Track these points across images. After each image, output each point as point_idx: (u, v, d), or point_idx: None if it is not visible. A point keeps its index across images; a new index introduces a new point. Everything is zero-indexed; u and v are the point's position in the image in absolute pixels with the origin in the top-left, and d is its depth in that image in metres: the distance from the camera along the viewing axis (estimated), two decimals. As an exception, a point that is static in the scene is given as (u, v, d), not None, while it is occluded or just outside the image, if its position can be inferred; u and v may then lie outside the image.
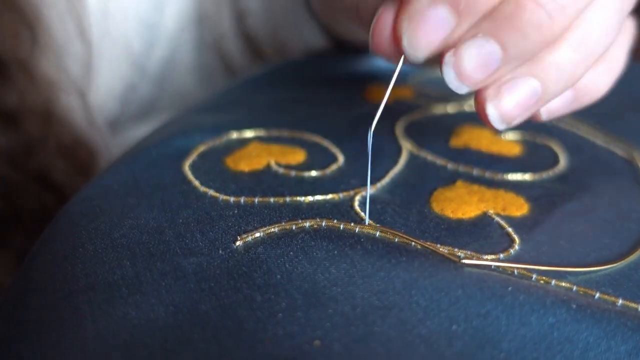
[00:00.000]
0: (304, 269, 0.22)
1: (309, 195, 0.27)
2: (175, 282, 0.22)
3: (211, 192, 0.28)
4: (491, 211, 0.27)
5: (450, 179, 0.30)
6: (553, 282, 0.22)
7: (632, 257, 0.25)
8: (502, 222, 0.26)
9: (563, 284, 0.22)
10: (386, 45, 0.25)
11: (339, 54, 0.52)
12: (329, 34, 0.53)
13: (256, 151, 0.32)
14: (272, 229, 0.24)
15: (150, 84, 0.52)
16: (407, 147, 0.34)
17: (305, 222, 0.25)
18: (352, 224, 0.25)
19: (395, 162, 0.32)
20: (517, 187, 0.30)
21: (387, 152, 0.33)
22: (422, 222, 0.26)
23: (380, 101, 0.26)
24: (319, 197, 0.27)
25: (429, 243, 0.24)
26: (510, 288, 0.21)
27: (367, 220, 0.25)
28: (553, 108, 0.29)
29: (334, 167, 0.31)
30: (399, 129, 0.36)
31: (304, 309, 0.20)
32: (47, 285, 0.23)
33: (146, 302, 0.21)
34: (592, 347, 0.20)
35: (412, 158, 0.33)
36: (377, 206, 0.27)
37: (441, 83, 0.26)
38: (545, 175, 0.32)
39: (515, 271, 0.23)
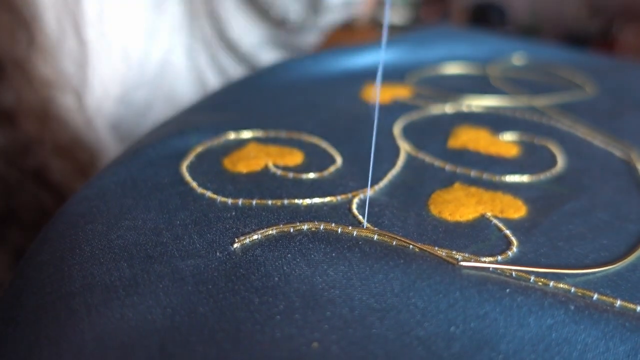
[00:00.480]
0: (301, 271, 0.22)
1: (307, 197, 0.27)
2: (173, 284, 0.21)
3: (209, 194, 0.27)
4: (489, 213, 0.27)
5: (448, 181, 0.30)
6: (551, 283, 0.22)
7: (630, 259, 0.25)
8: (500, 225, 0.26)
9: (561, 285, 0.22)
10: None
11: (336, 53, 0.52)
12: None
13: (254, 152, 0.32)
14: (270, 232, 0.24)
15: (147, 85, 0.52)
16: (405, 148, 0.34)
17: (303, 225, 0.25)
18: (350, 228, 0.25)
19: (393, 164, 0.32)
20: (515, 189, 0.30)
21: (385, 154, 0.33)
22: (420, 224, 0.26)
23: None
24: (316, 200, 0.27)
25: (426, 246, 0.24)
26: (508, 290, 0.21)
27: (365, 224, 0.25)
28: None
29: (332, 169, 0.31)
30: (397, 130, 0.36)
31: (301, 311, 0.20)
32: (44, 286, 0.22)
33: (143, 303, 0.21)
34: (591, 348, 0.20)
35: (410, 159, 0.33)
36: (375, 209, 0.27)
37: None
38: (543, 176, 0.32)
39: (513, 273, 0.23)
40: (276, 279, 0.22)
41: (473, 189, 0.29)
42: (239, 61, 0.61)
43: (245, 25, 0.59)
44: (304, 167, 0.31)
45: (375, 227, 0.25)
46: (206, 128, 0.35)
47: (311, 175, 0.30)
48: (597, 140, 0.37)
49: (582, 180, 0.32)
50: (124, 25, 0.49)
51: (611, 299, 0.22)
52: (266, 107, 0.40)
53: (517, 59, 0.56)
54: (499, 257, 0.24)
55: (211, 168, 0.30)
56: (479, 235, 0.26)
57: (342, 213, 0.26)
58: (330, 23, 0.62)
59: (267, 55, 0.65)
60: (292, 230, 0.25)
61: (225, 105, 0.40)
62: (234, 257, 0.23)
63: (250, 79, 0.47)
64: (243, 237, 0.24)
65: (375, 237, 0.24)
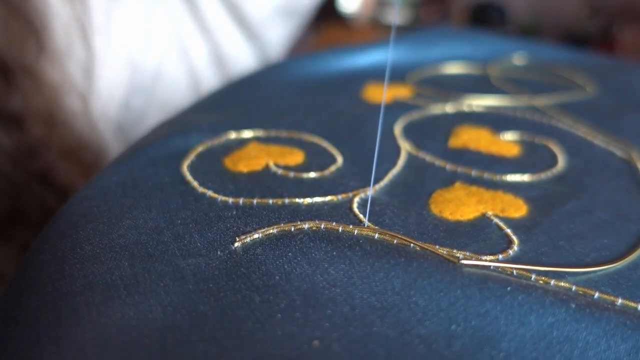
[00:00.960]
0: (302, 270, 0.22)
1: (307, 196, 0.27)
2: (174, 283, 0.21)
3: (210, 193, 0.27)
4: (490, 212, 0.27)
5: (449, 180, 0.30)
6: (552, 282, 0.22)
7: (631, 257, 0.25)
8: (501, 224, 0.26)
9: (562, 284, 0.22)
10: None
11: (336, 53, 0.52)
12: None
13: (255, 152, 0.32)
14: (271, 230, 0.24)
15: (144, 91, 0.53)
16: (405, 147, 0.34)
17: (304, 224, 0.25)
18: (351, 227, 0.25)
19: (394, 164, 0.32)
20: (515, 188, 0.30)
21: (386, 153, 0.33)
22: (421, 223, 0.26)
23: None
24: (317, 199, 0.27)
25: (427, 244, 0.24)
26: (509, 288, 0.21)
27: (366, 223, 0.25)
28: None
29: (332, 168, 0.31)
30: (398, 130, 0.36)
31: (302, 310, 0.20)
32: (46, 285, 0.22)
33: (144, 302, 0.21)
34: (592, 346, 0.20)
35: (411, 159, 0.33)
36: (376, 208, 0.27)
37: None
38: (544, 176, 0.32)
39: (514, 272, 0.23)
40: (277, 277, 0.22)
41: (474, 188, 0.29)
42: (247, 38, 0.62)
43: None
44: (305, 167, 0.31)
45: (376, 226, 0.25)
46: (207, 127, 0.35)
47: (312, 175, 0.30)
48: (598, 140, 0.37)
49: (583, 179, 0.32)
50: (129, 33, 0.50)
51: (612, 298, 0.22)
52: (267, 106, 0.40)
53: (518, 58, 0.56)
54: (500, 256, 0.24)
55: (212, 167, 0.30)
56: (479, 234, 0.26)
57: (343, 212, 0.26)
58: None
59: (276, 31, 0.65)
60: (293, 229, 0.25)
61: (225, 104, 0.40)
62: (234, 255, 0.23)
63: (250, 79, 0.47)
64: (244, 236, 0.24)
65: (376, 235, 0.24)
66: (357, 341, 0.19)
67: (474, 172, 0.31)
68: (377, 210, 0.27)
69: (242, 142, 0.33)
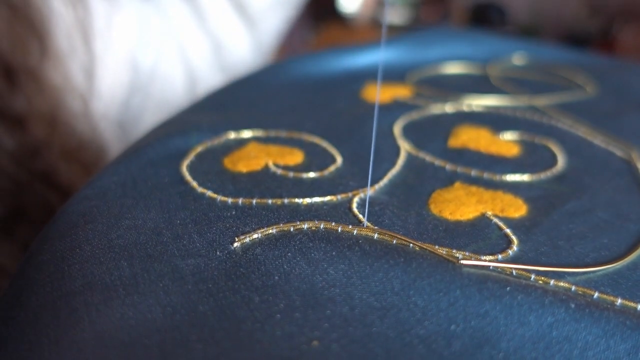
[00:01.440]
0: (302, 270, 0.22)
1: (307, 197, 0.27)
2: (173, 283, 0.21)
3: (209, 193, 0.27)
4: (489, 212, 0.27)
5: (448, 180, 0.30)
6: (552, 282, 0.22)
7: (631, 257, 0.25)
8: (501, 224, 0.26)
9: (562, 284, 0.22)
10: None
11: (336, 52, 0.53)
12: None
13: (254, 152, 0.32)
14: (270, 231, 0.24)
15: (141, 91, 0.54)
16: (405, 147, 0.34)
17: (304, 224, 0.25)
18: (350, 227, 0.25)
19: (393, 163, 0.32)
20: (515, 188, 0.30)
21: (385, 153, 0.33)
22: (421, 223, 0.26)
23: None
24: (317, 199, 0.27)
25: (427, 244, 0.24)
26: (508, 288, 0.21)
27: (366, 223, 0.25)
28: None
29: (332, 168, 0.31)
30: (397, 129, 0.36)
31: (302, 310, 0.20)
32: (45, 285, 0.22)
33: (144, 303, 0.21)
34: (591, 346, 0.20)
35: (411, 159, 0.33)
36: (376, 208, 0.27)
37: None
38: (544, 175, 0.32)
39: (514, 272, 0.23)
40: (276, 277, 0.22)
41: (473, 188, 0.29)
42: (246, 26, 0.62)
43: None
44: (304, 167, 0.31)
45: (375, 226, 0.25)
46: (206, 127, 0.35)
47: (311, 175, 0.30)
48: (598, 140, 0.37)
49: (583, 179, 0.32)
50: (129, 35, 0.51)
51: (612, 298, 0.22)
52: (266, 106, 0.40)
53: (517, 58, 0.56)
54: (500, 256, 0.24)
55: (211, 167, 0.30)
56: (479, 234, 0.26)
57: (342, 212, 0.26)
58: None
59: (273, 21, 0.67)
60: (292, 229, 0.25)
61: (225, 104, 0.40)
62: (234, 256, 0.23)
63: (250, 78, 0.47)
64: (243, 236, 0.24)
65: (376, 235, 0.24)
66: (356, 341, 0.19)
67: (473, 172, 0.31)
68: (377, 210, 0.27)
69: (242, 142, 0.33)
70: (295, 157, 0.32)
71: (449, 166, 0.32)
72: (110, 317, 0.20)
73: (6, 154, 0.41)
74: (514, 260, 0.24)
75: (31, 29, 0.42)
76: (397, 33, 0.69)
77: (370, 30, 2.37)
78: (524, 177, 0.31)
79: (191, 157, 0.31)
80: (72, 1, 0.45)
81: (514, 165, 0.33)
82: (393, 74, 0.48)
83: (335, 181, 0.29)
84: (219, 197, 0.27)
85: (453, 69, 0.52)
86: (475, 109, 0.41)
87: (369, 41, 0.56)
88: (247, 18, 0.63)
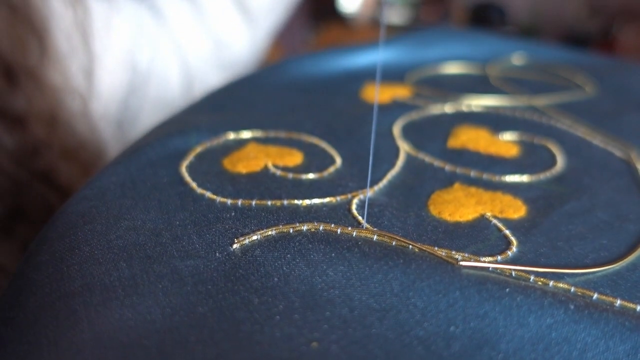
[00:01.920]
0: (301, 271, 0.22)
1: (306, 198, 0.27)
2: (172, 285, 0.21)
3: (208, 194, 0.27)
4: (489, 214, 0.27)
5: (448, 181, 0.30)
6: (551, 283, 0.22)
7: (630, 258, 0.25)
8: (500, 225, 0.26)
9: (561, 285, 0.22)
10: None
11: (336, 53, 0.53)
12: None
13: (254, 153, 0.32)
14: (270, 232, 0.24)
15: (139, 91, 0.54)
16: (404, 148, 0.34)
17: (303, 226, 0.25)
18: (350, 228, 0.25)
19: (392, 164, 0.32)
20: (514, 189, 0.30)
21: (384, 154, 0.33)
22: (420, 225, 0.26)
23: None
24: (316, 201, 0.27)
25: (426, 246, 0.24)
26: (508, 289, 0.21)
27: (365, 224, 0.25)
28: None
29: (331, 169, 0.31)
30: (397, 130, 0.36)
31: (301, 311, 0.20)
32: (44, 285, 0.22)
33: (143, 304, 0.21)
34: (591, 347, 0.20)
35: (410, 159, 0.33)
36: (375, 209, 0.27)
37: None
38: (543, 176, 0.32)
39: (513, 273, 0.23)
40: (275, 279, 0.22)
41: (473, 189, 0.29)
42: (246, 23, 0.63)
43: None
44: (304, 168, 0.31)
45: (374, 227, 0.25)
46: (206, 128, 0.35)
47: (311, 176, 0.30)
48: (597, 140, 0.37)
49: (582, 180, 0.32)
50: (128, 36, 0.52)
51: (611, 299, 0.22)
52: (266, 106, 0.40)
53: (517, 59, 0.56)
54: (499, 257, 0.24)
55: (211, 168, 0.30)
56: (478, 235, 0.26)
57: (341, 214, 0.26)
58: None
59: (272, 18, 0.68)
60: (291, 230, 0.25)
61: (224, 104, 0.40)
62: (233, 257, 0.23)
63: (249, 78, 0.47)
64: (242, 238, 0.24)
65: (375, 237, 0.24)
66: (355, 343, 0.19)
67: (473, 173, 0.31)
68: (376, 212, 0.27)
69: (241, 143, 0.33)
70: (295, 158, 0.32)
71: (448, 167, 0.32)
72: (109, 318, 0.20)
73: (6, 154, 0.41)
74: (513, 261, 0.24)
75: (31, 29, 0.42)
76: (397, 33, 0.69)
77: (370, 30, 2.37)
78: (523, 178, 0.31)
79: (190, 157, 0.31)
80: (72, 2, 0.46)
81: (513, 165, 0.33)
82: (392, 74, 0.48)
83: (335, 182, 0.29)
84: (218, 198, 0.27)
85: (453, 69, 0.52)
86: (474, 109, 0.41)
87: (369, 41, 0.56)
88: (247, 15, 0.64)
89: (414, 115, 0.39)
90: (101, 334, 0.19)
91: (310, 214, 0.26)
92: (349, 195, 0.28)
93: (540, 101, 0.44)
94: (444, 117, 0.40)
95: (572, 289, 0.22)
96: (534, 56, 0.57)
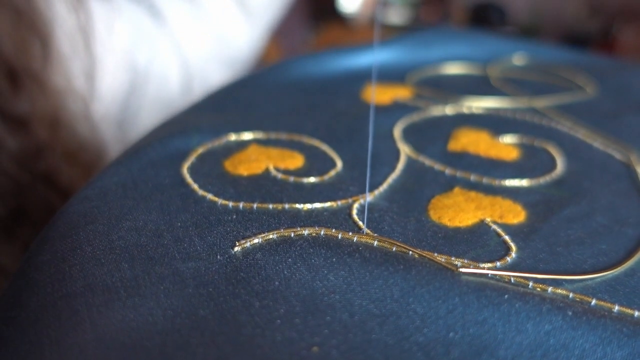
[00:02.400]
0: (302, 276, 0.22)
1: (307, 202, 0.27)
2: (174, 286, 0.22)
3: (210, 196, 0.28)
4: (488, 219, 0.27)
5: (448, 185, 0.31)
6: (549, 289, 0.22)
7: (629, 264, 0.25)
8: (499, 230, 0.27)
9: (559, 291, 0.22)
10: None
11: (336, 53, 0.53)
12: None
13: (255, 155, 0.32)
14: (271, 236, 0.25)
15: (141, 84, 0.54)
16: (405, 151, 0.34)
17: (304, 230, 0.25)
18: (350, 234, 0.25)
19: (393, 168, 0.32)
20: (514, 193, 0.30)
21: (385, 157, 0.33)
22: (420, 230, 0.26)
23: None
24: (317, 205, 0.27)
25: (426, 252, 0.24)
26: (506, 296, 0.21)
27: (365, 230, 0.26)
28: None
29: (332, 172, 0.31)
30: (397, 132, 0.36)
31: (302, 316, 0.20)
32: (46, 285, 0.23)
33: (144, 305, 0.21)
34: (588, 353, 0.20)
35: (411, 163, 0.33)
36: (375, 214, 0.27)
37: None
38: (543, 180, 0.32)
39: (512, 279, 0.23)
40: (277, 283, 0.22)
41: (473, 194, 0.30)
42: (245, 19, 0.64)
43: None
44: (305, 171, 0.31)
45: (375, 232, 0.25)
46: (207, 129, 0.35)
47: (312, 179, 0.30)
48: (597, 143, 0.37)
49: (582, 183, 0.32)
50: (128, 36, 0.52)
51: (609, 305, 0.22)
52: (266, 107, 0.40)
53: (518, 59, 0.56)
54: (498, 263, 0.24)
55: (212, 170, 0.30)
56: (478, 241, 0.26)
57: (342, 218, 0.27)
58: None
59: (273, 13, 0.68)
60: (292, 234, 0.25)
61: (225, 105, 0.40)
62: (234, 260, 0.23)
63: (250, 79, 0.47)
64: (244, 241, 0.24)
65: (375, 243, 0.24)
66: (355, 348, 0.19)
67: (473, 177, 0.31)
68: (377, 217, 0.27)
69: (242, 145, 0.33)
70: (296, 160, 0.32)
71: (448, 170, 0.32)
72: (111, 318, 0.20)
73: (8, 156, 0.41)
74: (512, 267, 0.24)
75: (35, 32, 0.43)
76: (397, 33, 0.69)
77: (370, 30, 2.37)
78: (523, 182, 0.32)
79: (192, 158, 0.31)
80: (75, 5, 0.46)
81: (513, 169, 0.33)
82: (393, 75, 0.48)
83: (336, 186, 0.29)
84: (220, 201, 0.27)
85: (453, 69, 0.52)
86: (475, 111, 0.41)
87: (369, 41, 0.56)
88: (246, 11, 0.64)
89: (414, 117, 0.39)
90: (103, 335, 0.20)
91: (312, 218, 0.26)
92: (350, 200, 0.28)
93: (541, 102, 0.44)
94: (444, 119, 0.40)
95: (571, 295, 0.22)
96: (535, 56, 0.57)
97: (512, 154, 0.35)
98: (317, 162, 0.32)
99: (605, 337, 0.20)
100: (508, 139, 0.37)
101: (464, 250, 0.25)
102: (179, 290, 0.21)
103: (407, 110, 0.40)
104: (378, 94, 0.43)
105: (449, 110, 0.41)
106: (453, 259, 0.24)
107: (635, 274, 0.24)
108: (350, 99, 0.42)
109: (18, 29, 0.42)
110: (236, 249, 0.24)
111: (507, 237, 0.26)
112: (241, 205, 0.27)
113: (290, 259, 0.23)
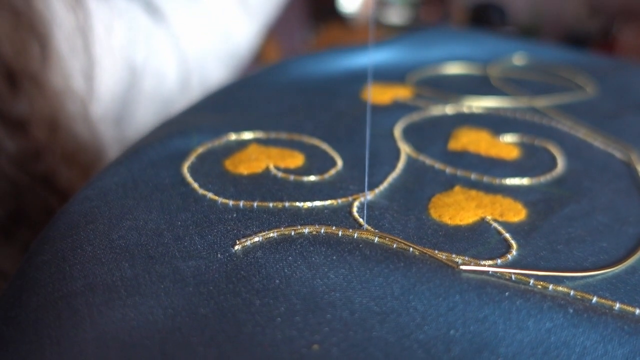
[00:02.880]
0: (302, 274, 0.22)
1: (307, 200, 0.27)
2: (174, 285, 0.22)
3: (210, 195, 0.28)
4: (489, 217, 0.27)
5: (448, 184, 0.30)
6: (550, 287, 0.22)
7: (629, 261, 0.25)
8: (500, 228, 0.27)
9: (560, 288, 0.22)
10: None
11: (336, 53, 0.53)
12: None
13: (255, 154, 0.32)
14: (271, 234, 0.25)
15: (138, 81, 0.54)
16: (405, 150, 0.34)
17: (304, 228, 0.25)
18: (351, 230, 0.25)
19: (393, 167, 0.32)
20: (515, 192, 0.30)
21: (385, 156, 0.33)
22: (420, 228, 0.26)
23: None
24: (317, 203, 0.27)
25: (426, 249, 0.24)
26: (507, 293, 0.21)
27: (365, 226, 0.26)
28: None
29: (332, 171, 0.31)
30: (398, 131, 0.36)
31: (302, 314, 0.20)
32: (46, 285, 0.23)
33: (145, 304, 0.21)
34: (589, 351, 0.20)
35: (411, 162, 0.33)
36: (376, 212, 0.27)
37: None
38: (543, 179, 0.32)
39: (513, 276, 0.23)
40: (277, 281, 0.22)
41: (473, 192, 0.30)
42: (245, 14, 0.64)
43: None
44: (305, 170, 0.31)
45: (375, 230, 0.25)
46: (207, 128, 0.35)
47: (312, 178, 0.30)
48: (598, 142, 0.37)
49: (582, 182, 0.32)
50: (126, 35, 0.52)
51: (610, 302, 0.22)
52: (267, 107, 0.40)
53: (518, 59, 0.56)
54: (499, 261, 0.24)
55: (212, 169, 0.30)
56: (478, 238, 0.26)
57: (342, 216, 0.27)
58: None
59: (273, 9, 0.69)
60: (293, 233, 0.25)
61: (225, 105, 0.41)
62: (235, 259, 0.23)
63: (250, 79, 0.47)
64: (244, 239, 0.24)
65: (376, 239, 0.24)
66: (356, 345, 0.19)
67: (473, 176, 0.31)
68: (377, 215, 0.27)
69: (243, 144, 0.33)
70: (296, 159, 0.32)
71: (448, 169, 0.32)
72: (112, 317, 0.20)
73: (7, 158, 0.41)
74: (513, 264, 0.24)
75: (34, 33, 0.43)
76: (397, 33, 0.69)
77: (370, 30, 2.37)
78: (524, 181, 0.31)
79: (192, 158, 0.31)
80: (73, 6, 0.46)
81: (514, 168, 0.33)
82: (393, 75, 0.48)
83: (336, 185, 0.29)
84: (220, 200, 0.27)
85: (453, 69, 0.52)
86: (475, 110, 0.41)
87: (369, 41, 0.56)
88: (246, 6, 0.64)
89: (414, 117, 0.39)
90: (104, 334, 0.20)
91: (312, 216, 0.26)
92: (350, 198, 0.28)
93: (541, 102, 0.44)
94: (444, 118, 0.40)
95: (572, 292, 0.22)
96: (535, 56, 0.57)
97: (513, 153, 0.35)
98: (317, 161, 0.32)
99: (606, 335, 0.20)
100: (508, 138, 0.37)
101: (464, 248, 0.25)
102: (180, 288, 0.21)
103: (407, 109, 0.40)
104: (378, 94, 0.43)
105: (449, 109, 0.41)
106: (454, 256, 0.24)
107: (636, 271, 0.24)
108: (350, 99, 0.42)
109: (16, 30, 0.42)
110: (236, 247, 0.24)
111: (507, 235, 0.26)
112: (241, 203, 0.27)
113: (290, 257, 0.23)
